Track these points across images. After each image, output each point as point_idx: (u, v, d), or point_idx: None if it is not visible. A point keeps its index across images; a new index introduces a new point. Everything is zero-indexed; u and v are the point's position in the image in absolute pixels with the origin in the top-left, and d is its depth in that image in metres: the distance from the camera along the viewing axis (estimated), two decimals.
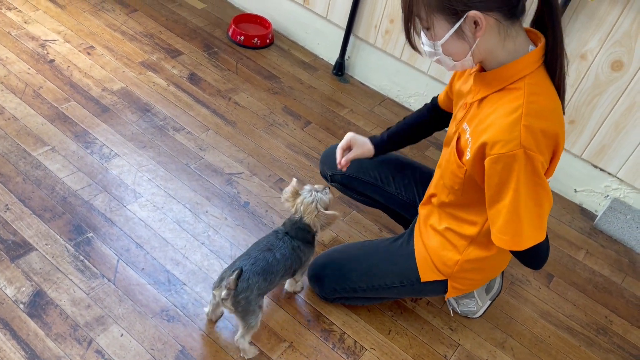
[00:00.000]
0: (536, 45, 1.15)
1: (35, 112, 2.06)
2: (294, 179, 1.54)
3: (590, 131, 2.06)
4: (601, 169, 2.12)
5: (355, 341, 1.61)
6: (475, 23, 1.09)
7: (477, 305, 1.67)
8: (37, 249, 1.63)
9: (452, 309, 1.71)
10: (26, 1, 2.56)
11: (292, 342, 1.57)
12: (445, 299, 1.53)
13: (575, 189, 2.23)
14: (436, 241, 1.42)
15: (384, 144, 1.58)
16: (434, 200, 1.45)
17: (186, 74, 2.40)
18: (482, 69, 1.22)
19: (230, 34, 2.66)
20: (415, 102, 2.50)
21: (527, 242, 1.17)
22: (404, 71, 2.43)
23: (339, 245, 1.76)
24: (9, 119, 2.00)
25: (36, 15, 2.51)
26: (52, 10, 2.56)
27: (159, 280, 1.63)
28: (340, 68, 2.59)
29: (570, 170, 2.19)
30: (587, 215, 2.22)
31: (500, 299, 1.81)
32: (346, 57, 2.58)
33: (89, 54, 2.38)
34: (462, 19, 1.09)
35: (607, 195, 2.15)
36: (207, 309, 1.54)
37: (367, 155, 1.59)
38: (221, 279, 1.41)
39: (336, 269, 1.58)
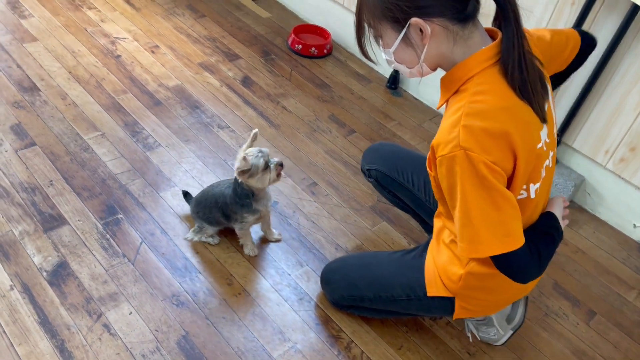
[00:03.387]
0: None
1: (94, 100, 2.19)
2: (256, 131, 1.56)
3: None
4: None
5: (363, 351, 1.54)
6: (421, 30, 1.08)
7: (497, 334, 1.55)
8: (69, 224, 1.72)
9: (472, 334, 1.60)
10: (106, 2, 2.76)
11: (295, 343, 1.53)
12: (453, 320, 1.44)
13: (634, 224, 2.03)
14: (445, 255, 1.34)
15: None
16: None
17: (240, 77, 2.47)
18: None
19: (289, 42, 2.71)
20: None
21: (489, 249, 1.08)
22: None
23: (356, 252, 1.71)
24: (69, 104, 2.15)
25: (113, 15, 2.69)
26: (127, 12, 2.73)
27: (176, 266, 1.66)
28: (394, 81, 2.56)
29: (629, 202, 2.01)
30: None
31: (529, 330, 1.68)
32: None
33: (153, 52, 2.51)
34: (407, 27, 1.08)
35: None
36: None
37: None
38: None
39: (345, 274, 1.54)
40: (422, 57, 1.12)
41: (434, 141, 1.09)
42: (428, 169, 1.16)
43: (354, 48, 2.74)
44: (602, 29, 1.84)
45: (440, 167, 1.08)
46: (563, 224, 1.26)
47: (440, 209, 1.35)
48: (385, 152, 1.72)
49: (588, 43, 1.34)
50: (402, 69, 1.18)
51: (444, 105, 1.18)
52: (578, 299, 1.81)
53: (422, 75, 1.18)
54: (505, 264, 1.11)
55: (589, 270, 1.92)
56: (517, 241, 1.08)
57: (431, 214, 1.59)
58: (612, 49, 1.82)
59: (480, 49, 1.09)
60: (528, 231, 1.18)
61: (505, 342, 1.57)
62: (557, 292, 1.82)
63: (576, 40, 1.31)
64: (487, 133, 1.03)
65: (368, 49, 1.18)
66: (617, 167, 1.98)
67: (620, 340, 1.71)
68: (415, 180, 1.62)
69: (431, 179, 1.20)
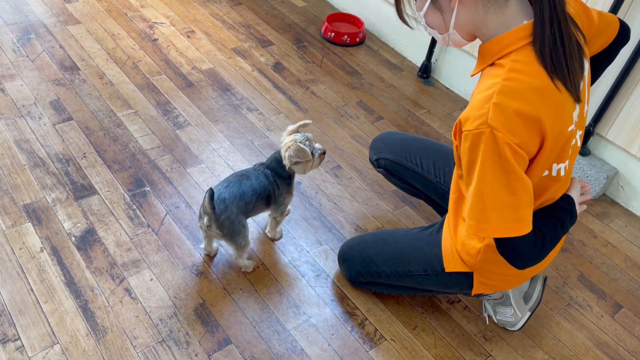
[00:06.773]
0: None
1: (130, 80, 2.26)
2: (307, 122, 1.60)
3: None
4: None
5: (376, 329, 1.54)
6: None
7: (515, 316, 1.52)
8: (99, 194, 1.78)
9: (488, 316, 1.58)
10: None
11: (310, 317, 1.54)
12: (472, 295, 1.42)
13: None
14: (463, 230, 1.33)
15: None
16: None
17: (272, 62, 2.51)
18: None
19: (322, 30, 2.73)
20: None
21: (495, 231, 1.06)
22: None
23: (373, 230, 1.72)
24: (106, 83, 2.23)
25: (152, 1, 2.78)
26: None
27: (197, 238, 1.70)
28: (425, 70, 2.54)
29: None
30: None
31: (549, 319, 1.64)
32: (433, 60, 2.53)
33: (188, 37, 2.58)
34: None
35: None
36: (202, 245, 1.64)
37: None
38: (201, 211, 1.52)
39: (363, 250, 1.54)
40: (452, 22, 1.10)
41: (463, 114, 1.06)
42: (453, 137, 1.15)
43: (387, 37, 2.74)
44: (638, 16, 1.78)
45: (465, 142, 1.05)
46: (580, 208, 1.23)
47: (458, 184, 1.33)
48: (391, 140, 1.71)
49: (623, 37, 1.31)
50: (435, 34, 1.17)
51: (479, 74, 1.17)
52: (604, 292, 1.76)
53: (456, 44, 1.16)
54: (507, 248, 1.10)
55: (618, 264, 1.86)
56: (525, 228, 1.06)
57: (444, 195, 1.58)
58: None
59: (516, 26, 1.05)
60: (541, 214, 1.16)
61: (522, 326, 1.54)
62: (582, 283, 1.77)
63: (615, 28, 1.28)
64: (518, 114, 1.00)
65: (405, 15, 1.18)
66: None
67: None
68: (424, 165, 1.62)
69: (454, 148, 1.19)
